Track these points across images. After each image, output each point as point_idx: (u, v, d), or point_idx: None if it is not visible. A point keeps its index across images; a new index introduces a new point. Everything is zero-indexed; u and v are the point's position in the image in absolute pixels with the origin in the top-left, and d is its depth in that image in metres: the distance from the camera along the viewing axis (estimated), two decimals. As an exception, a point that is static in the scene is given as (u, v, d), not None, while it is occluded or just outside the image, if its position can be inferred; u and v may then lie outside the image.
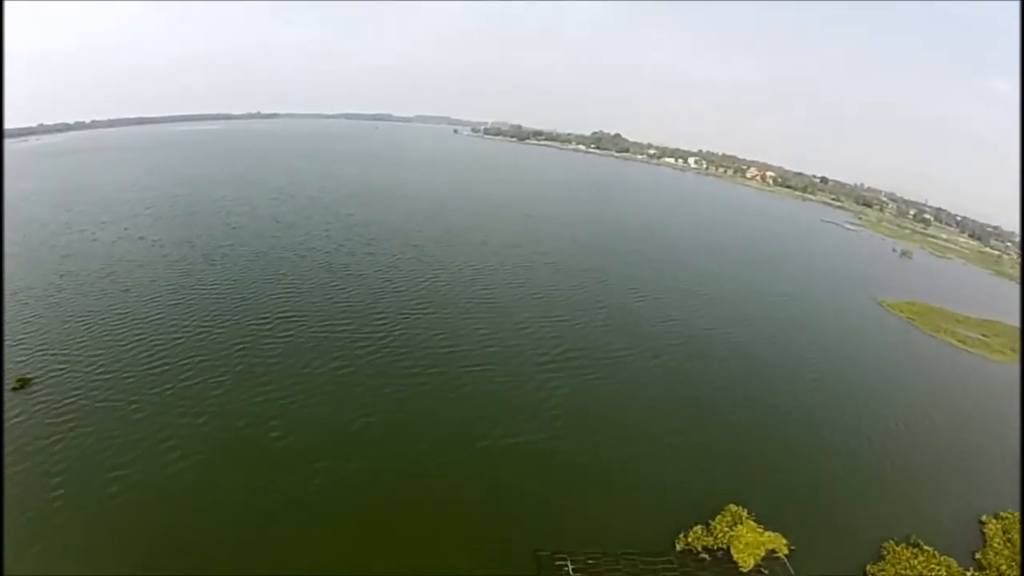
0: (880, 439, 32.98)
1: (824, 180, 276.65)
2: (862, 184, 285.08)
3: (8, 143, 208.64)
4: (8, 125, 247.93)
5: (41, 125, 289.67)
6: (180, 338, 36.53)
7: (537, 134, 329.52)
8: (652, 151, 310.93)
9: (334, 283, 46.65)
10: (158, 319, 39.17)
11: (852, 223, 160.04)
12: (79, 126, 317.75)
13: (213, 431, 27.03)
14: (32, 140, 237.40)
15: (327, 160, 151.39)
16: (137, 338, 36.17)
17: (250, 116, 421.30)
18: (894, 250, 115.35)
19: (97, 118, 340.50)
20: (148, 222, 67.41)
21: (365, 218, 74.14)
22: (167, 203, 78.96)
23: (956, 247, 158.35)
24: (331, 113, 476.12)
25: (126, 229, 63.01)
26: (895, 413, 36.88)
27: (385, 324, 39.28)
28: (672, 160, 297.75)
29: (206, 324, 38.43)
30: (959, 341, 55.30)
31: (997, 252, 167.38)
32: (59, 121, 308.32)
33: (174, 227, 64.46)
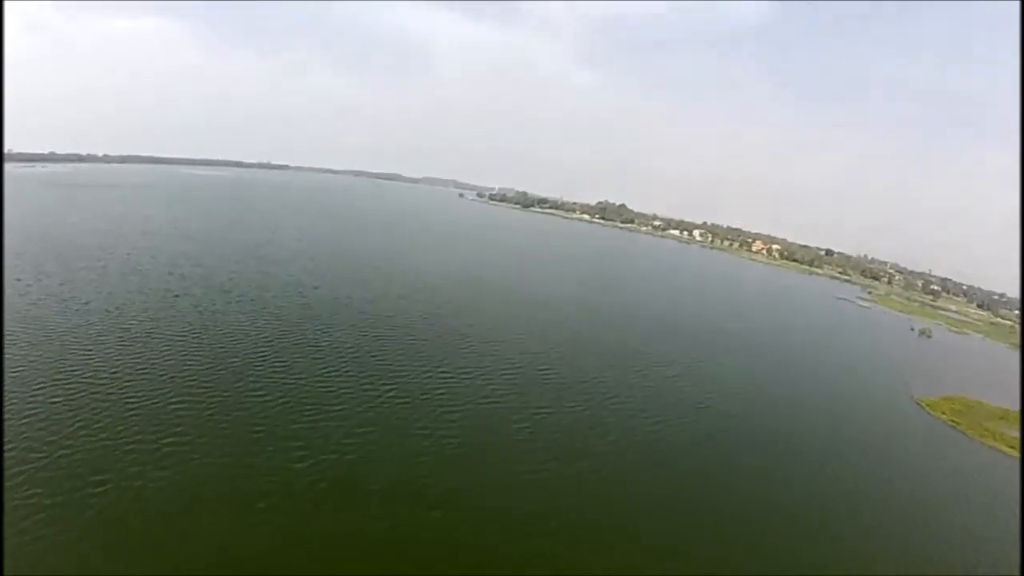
0: None
1: (829, 252, 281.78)
2: (866, 256, 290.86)
3: (14, 168, 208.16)
4: (20, 149, 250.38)
5: (52, 153, 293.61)
6: (41, 458, 28.38)
7: (542, 202, 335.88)
8: (657, 223, 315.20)
9: (259, 389, 37.72)
10: (32, 420, 31.16)
11: (863, 298, 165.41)
12: (90, 158, 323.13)
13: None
14: (39, 167, 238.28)
15: (319, 218, 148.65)
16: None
17: (260, 165, 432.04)
18: (912, 328, 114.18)
19: (109, 152, 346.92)
20: (90, 277, 61.33)
21: (329, 294, 67.29)
22: (122, 255, 73.51)
23: (969, 320, 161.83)
24: (340, 169, 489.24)
25: (61, 285, 56.74)
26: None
27: (309, 467, 29.77)
28: (677, 232, 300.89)
29: (78, 436, 30.30)
30: (1010, 447, 49.74)
31: (1009, 322, 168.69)
32: (71, 151, 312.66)
33: (111, 287, 57.92)
